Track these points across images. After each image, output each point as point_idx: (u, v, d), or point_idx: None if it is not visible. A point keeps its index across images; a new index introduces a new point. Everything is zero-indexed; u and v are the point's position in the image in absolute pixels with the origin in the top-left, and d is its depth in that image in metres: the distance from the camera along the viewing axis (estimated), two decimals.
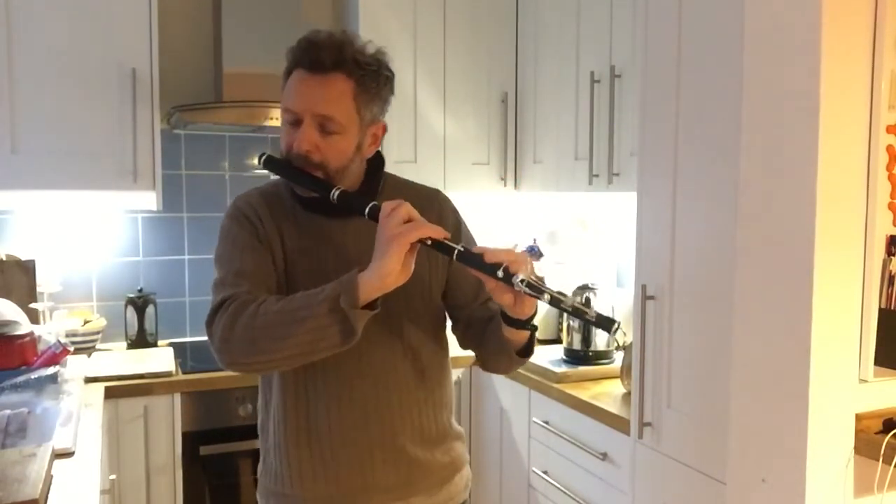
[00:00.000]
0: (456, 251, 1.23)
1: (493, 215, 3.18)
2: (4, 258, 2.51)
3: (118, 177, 2.47)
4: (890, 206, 1.29)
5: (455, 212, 1.54)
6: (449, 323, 1.54)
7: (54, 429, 1.71)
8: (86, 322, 2.62)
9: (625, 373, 2.15)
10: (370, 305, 1.22)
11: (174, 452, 2.35)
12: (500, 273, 1.21)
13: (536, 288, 1.20)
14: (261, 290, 1.32)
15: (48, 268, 2.65)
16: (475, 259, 1.24)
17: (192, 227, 2.91)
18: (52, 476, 1.45)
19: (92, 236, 2.77)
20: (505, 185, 3.01)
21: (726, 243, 1.51)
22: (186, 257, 2.90)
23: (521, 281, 1.20)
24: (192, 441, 2.38)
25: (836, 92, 1.24)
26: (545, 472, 2.32)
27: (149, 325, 2.72)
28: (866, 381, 1.30)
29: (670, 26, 1.68)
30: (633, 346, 1.86)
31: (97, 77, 2.43)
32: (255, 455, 2.43)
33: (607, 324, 1.20)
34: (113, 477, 2.12)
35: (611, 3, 2.41)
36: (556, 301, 1.20)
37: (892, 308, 1.28)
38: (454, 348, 1.55)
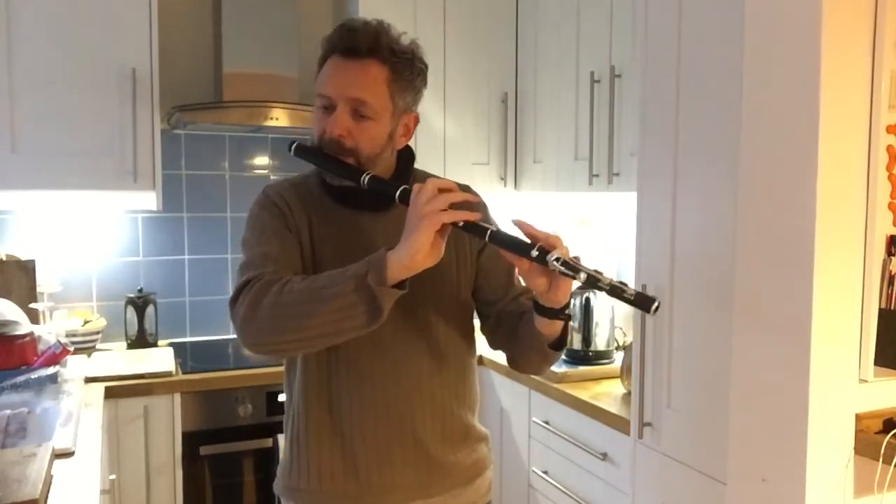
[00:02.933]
0: (489, 232, 1.18)
1: (494, 215, 3.17)
2: (4, 258, 2.51)
3: (118, 177, 2.47)
4: (890, 206, 1.29)
5: (485, 208, 1.52)
6: (477, 323, 1.51)
7: (54, 429, 1.71)
8: (86, 322, 2.62)
9: (625, 373, 2.15)
10: (399, 286, 1.18)
11: (174, 452, 2.35)
12: (534, 252, 1.16)
13: (572, 266, 1.14)
14: (287, 272, 1.28)
15: (48, 268, 2.66)
16: (508, 239, 1.20)
17: (192, 227, 2.91)
18: (52, 476, 1.45)
19: (92, 236, 2.77)
20: (505, 185, 3.01)
21: (726, 243, 1.51)
22: (186, 257, 2.90)
23: (557, 259, 1.15)
24: (192, 441, 2.38)
25: (836, 92, 1.24)
26: (545, 472, 2.32)
27: (149, 325, 2.72)
28: (866, 381, 1.30)
29: (670, 26, 1.68)
30: (633, 346, 1.86)
31: (97, 77, 2.43)
32: (255, 455, 2.47)
33: (647, 303, 1.13)
34: (113, 477, 2.12)
35: (611, 3, 2.41)
36: (593, 280, 1.12)
37: (892, 308, 1.28)
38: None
